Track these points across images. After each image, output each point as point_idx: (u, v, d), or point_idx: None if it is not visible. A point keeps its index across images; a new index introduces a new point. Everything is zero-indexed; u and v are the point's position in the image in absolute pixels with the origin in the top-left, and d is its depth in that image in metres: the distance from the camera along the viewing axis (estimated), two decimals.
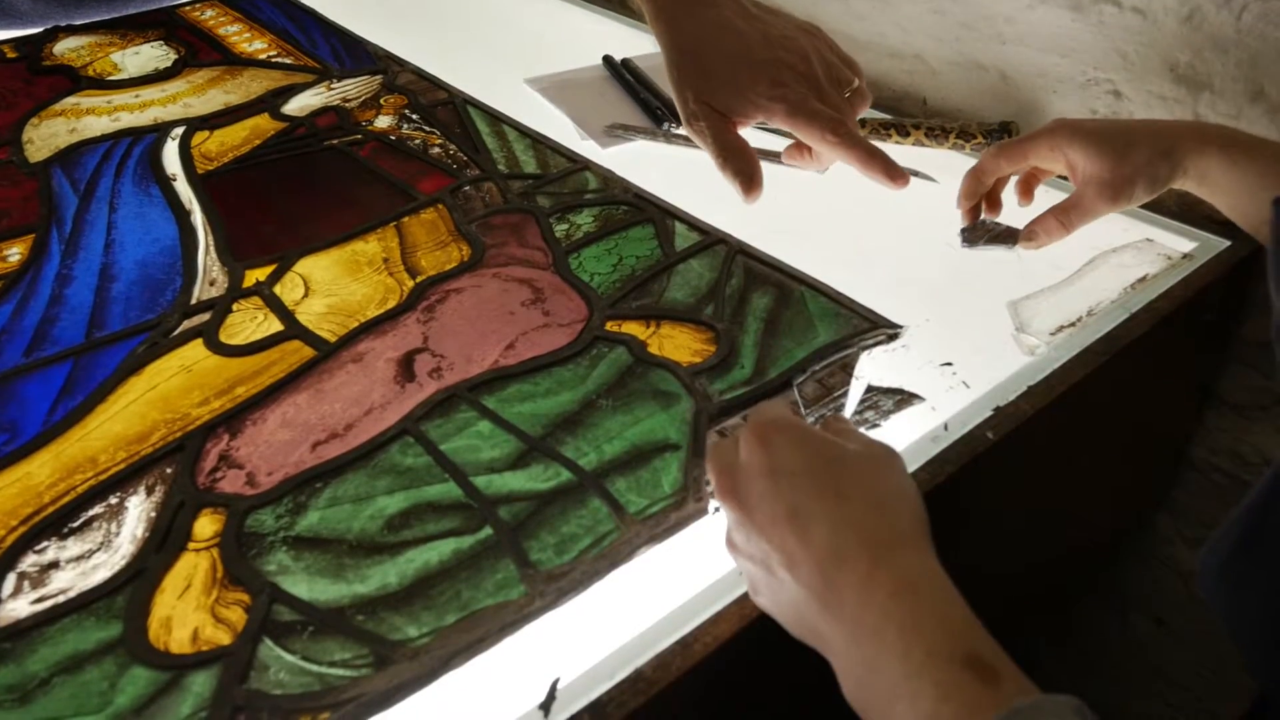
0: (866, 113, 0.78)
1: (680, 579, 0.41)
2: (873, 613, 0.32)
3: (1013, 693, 0.30)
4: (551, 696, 0.37)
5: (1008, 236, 0.62)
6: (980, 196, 0.62)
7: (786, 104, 0.53)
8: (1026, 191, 0.64)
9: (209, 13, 1.05)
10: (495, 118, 0.80)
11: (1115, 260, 0.61)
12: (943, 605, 0.32)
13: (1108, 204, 0.56)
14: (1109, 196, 0.56)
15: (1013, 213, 0.64)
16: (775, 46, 0.55)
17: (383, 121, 0.80)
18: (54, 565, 0.42)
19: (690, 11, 0.56)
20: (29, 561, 0.42)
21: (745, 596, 0.40)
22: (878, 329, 0.55)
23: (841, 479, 0.36)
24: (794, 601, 0.35)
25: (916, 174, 0.70)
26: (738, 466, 0.39)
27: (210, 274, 0.61)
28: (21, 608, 0.40)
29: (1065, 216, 0.57)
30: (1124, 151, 0.55)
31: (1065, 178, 0.60)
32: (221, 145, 0.77)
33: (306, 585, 0.41)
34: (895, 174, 0.53)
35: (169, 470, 0.46)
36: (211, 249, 0.64)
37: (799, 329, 0.55)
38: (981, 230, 0.63)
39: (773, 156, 0.73)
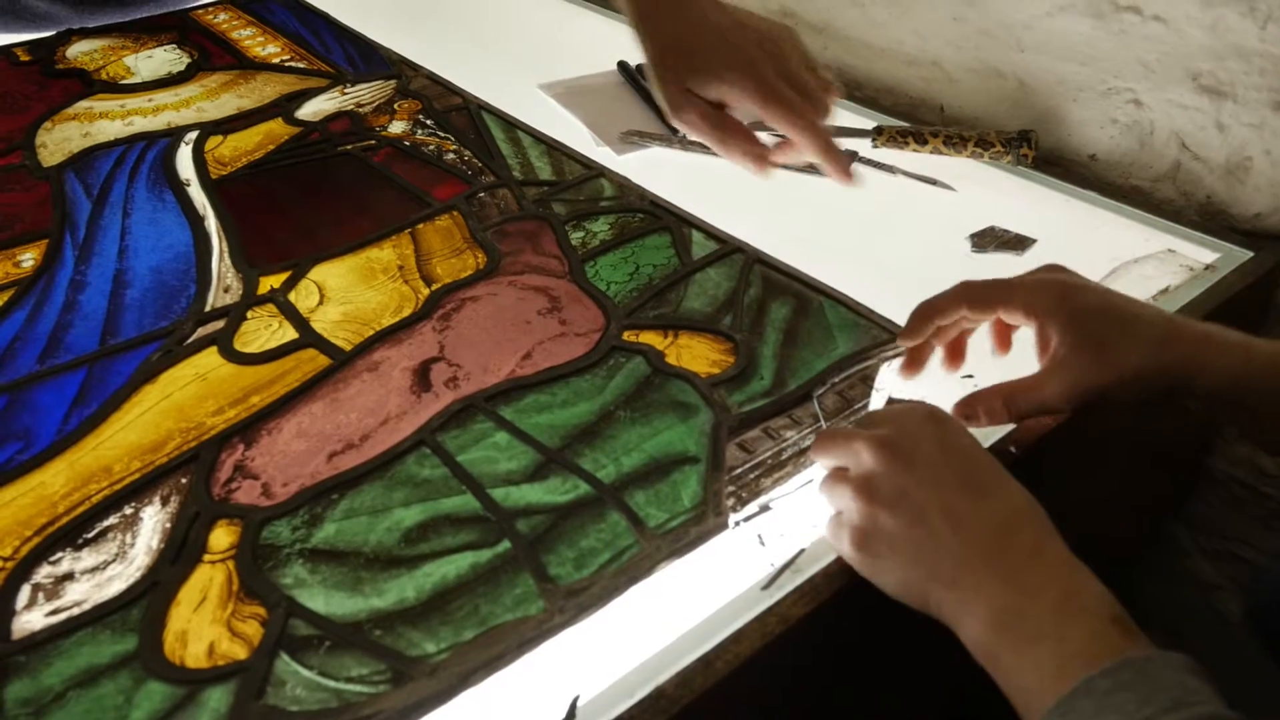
0: (883, 120, 0.78)
1: (701, 595, 0.41)
2: (1037, 575, 0.36)
3: (1147, 649, 0.33)
4: (571, 715, 0.36)
5: (1017, 244, 0.62)
6: (926, 337, 0.49)
7: (755, 81, 0.55)
8: (1003, 343, 0.50)
9: (222, 16, 1.05)
10: (510, 123, 0.79)
11: (1137, 271, 0.60)
12: (1095, 581, 0.36)
13: (1070, 404, 0.44)
14: (1077, 397, 0.43)
15: (1007, 266, 0.63)
16: (748, 30, 0.58)
17: (397, 127, 0.79)
18: (69, 577, 0.42)
19: (673, 12, 0.59)
20: (43, 573, 0.42)
21: (766, 613, 0.40)
22: (897, 340, 0.54)
23: (998, 470, 0.40)
24: (937, 554, 0.37)
25: (935, 182, 0.70)
26: (898, 427, 0.41)
27: (224, 281, 0.61)
28: (36, 620, 0.40)
29: (1013, 401, 0.45)
30: (1114, 347, 0.43)
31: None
32: (235, 150, 0.77)
33: (323, 599, 0.40)
34: (843, 173, 0.57)
35: (184, 480, 0.46)
36: (225, 255, 0.64)
37: (818, 340, 0.54)
38: (990, 237, 0.63)
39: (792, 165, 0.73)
